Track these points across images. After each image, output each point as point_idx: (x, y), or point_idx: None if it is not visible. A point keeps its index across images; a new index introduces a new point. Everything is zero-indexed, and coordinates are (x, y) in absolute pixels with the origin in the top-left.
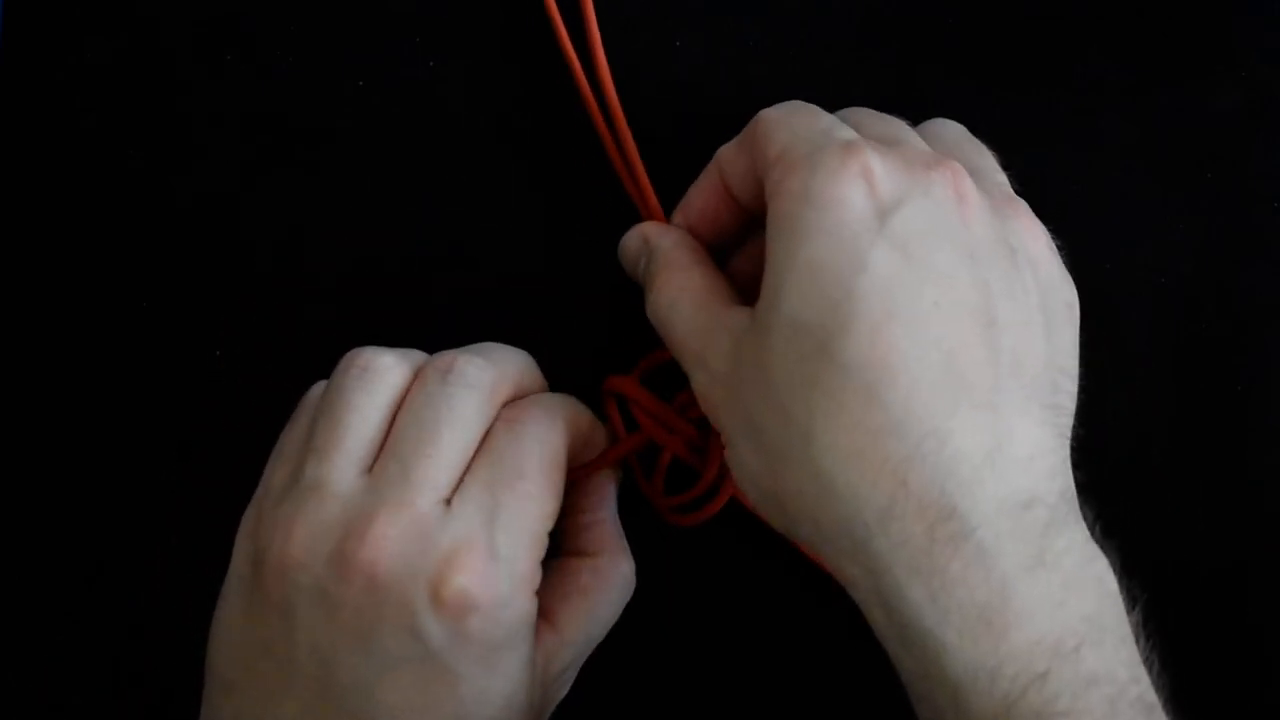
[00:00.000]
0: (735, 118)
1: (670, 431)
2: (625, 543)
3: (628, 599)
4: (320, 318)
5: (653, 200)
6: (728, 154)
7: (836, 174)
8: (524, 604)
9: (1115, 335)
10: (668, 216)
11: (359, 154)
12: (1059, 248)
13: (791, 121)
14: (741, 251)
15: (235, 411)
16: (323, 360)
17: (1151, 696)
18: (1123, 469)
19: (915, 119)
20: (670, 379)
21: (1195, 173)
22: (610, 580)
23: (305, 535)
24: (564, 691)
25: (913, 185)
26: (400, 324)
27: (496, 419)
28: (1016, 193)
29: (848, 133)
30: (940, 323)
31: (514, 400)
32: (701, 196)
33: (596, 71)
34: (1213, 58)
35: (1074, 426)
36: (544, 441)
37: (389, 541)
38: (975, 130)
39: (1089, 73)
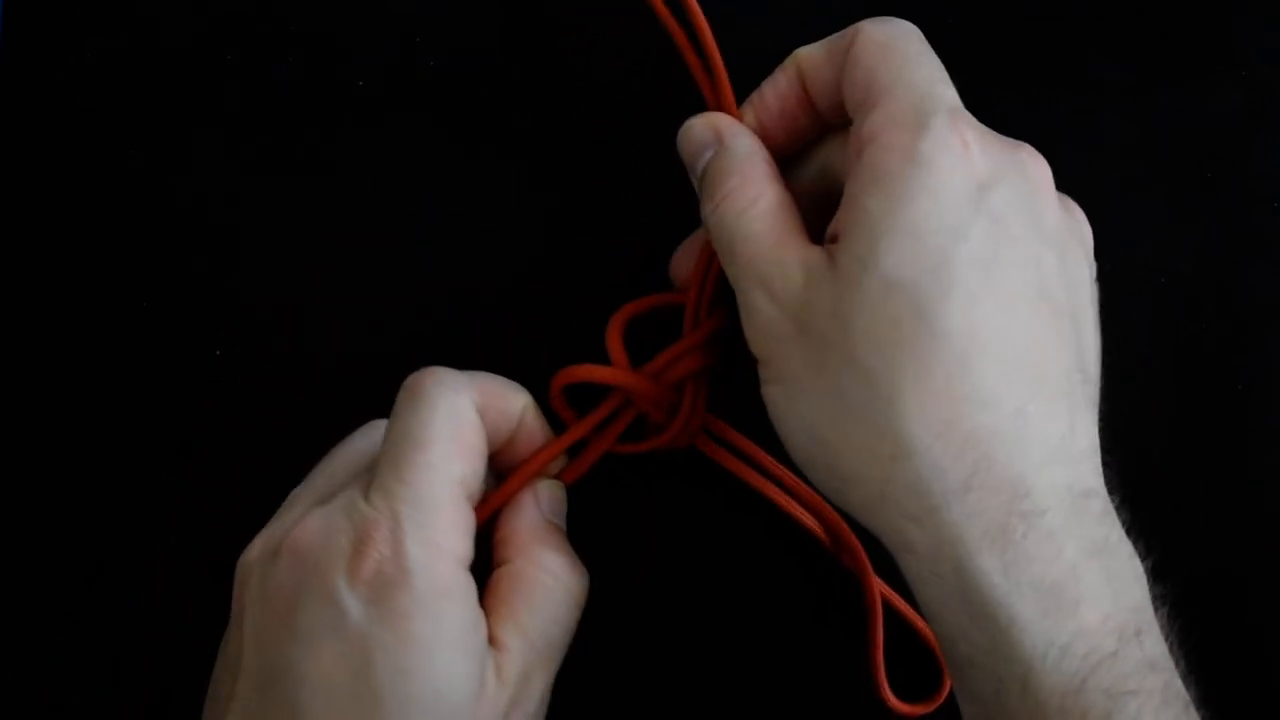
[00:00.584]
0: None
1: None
2: (558, 549)
3: (569, 606)
4: (320, 318)
5: (725, 84)
6: (813, 60)
7: (946, 140)
8: (443, 572)
9: (1115, 335)
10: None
11: (359, 154)
12: None
13: (896, 57)
14: (801, 172)
15: (235, 411)
16: (323, 360)
17: (1184, 691)
18: (1123, 469)
19: None
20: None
21: (1195, 173)
22: (531, 587)
23: (259, 544)
24: (537, 704)
25: (1008, 165)
26: (400, 324)
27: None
28: None
29: (950, 92)
30: (1028, 305)
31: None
32: (779, 96)
33: None
34: (1213, 58)
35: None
36: (441, 407)
37: (313, 526)
38: None
39: (1089, 73)
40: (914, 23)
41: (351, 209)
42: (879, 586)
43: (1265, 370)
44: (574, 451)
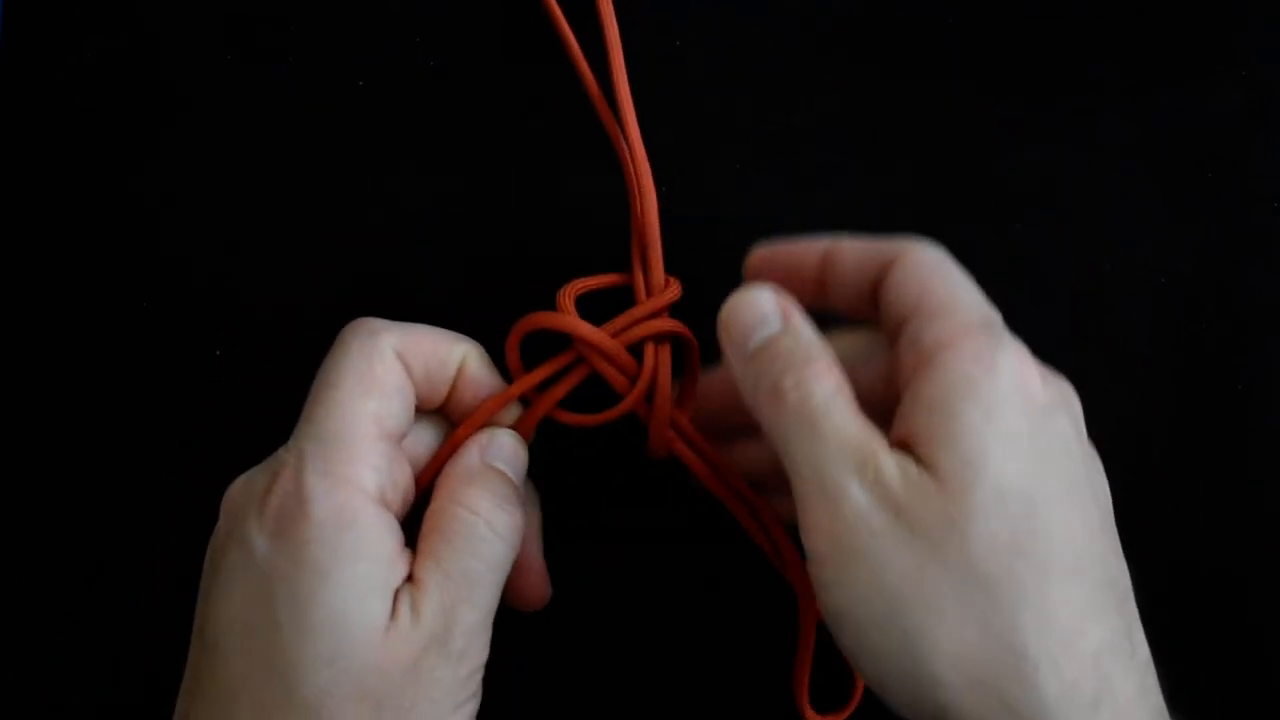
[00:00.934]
0: (736, 119)
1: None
2: (488, 488)
3: (492, 541)
4: (320, 317)
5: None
6: (852, 252)
7: (1016, 359)
8: (344, 502)
9: (1115, 335)
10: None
11: (359, 153)
12: (1060, 247)
13: (951, 275)
14: None
15: (235, 411)
16: (322, 360)
17: None
18: (1123, 469)
19: (916, 119)
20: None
21: (1195, 173)
22: (450, 523)
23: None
24: (465, 643)
25: (1063, 397)
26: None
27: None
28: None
29: (999, 320)
30: (1099, 518)
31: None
32: (794, 263)
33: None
34: (1213, 58)
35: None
36: (352, 348)
37: (240, 482)
38: (976, 130)
39: (1089, 73)
40: (914, 23)
41: (352, 209)
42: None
43: (1265, 370)
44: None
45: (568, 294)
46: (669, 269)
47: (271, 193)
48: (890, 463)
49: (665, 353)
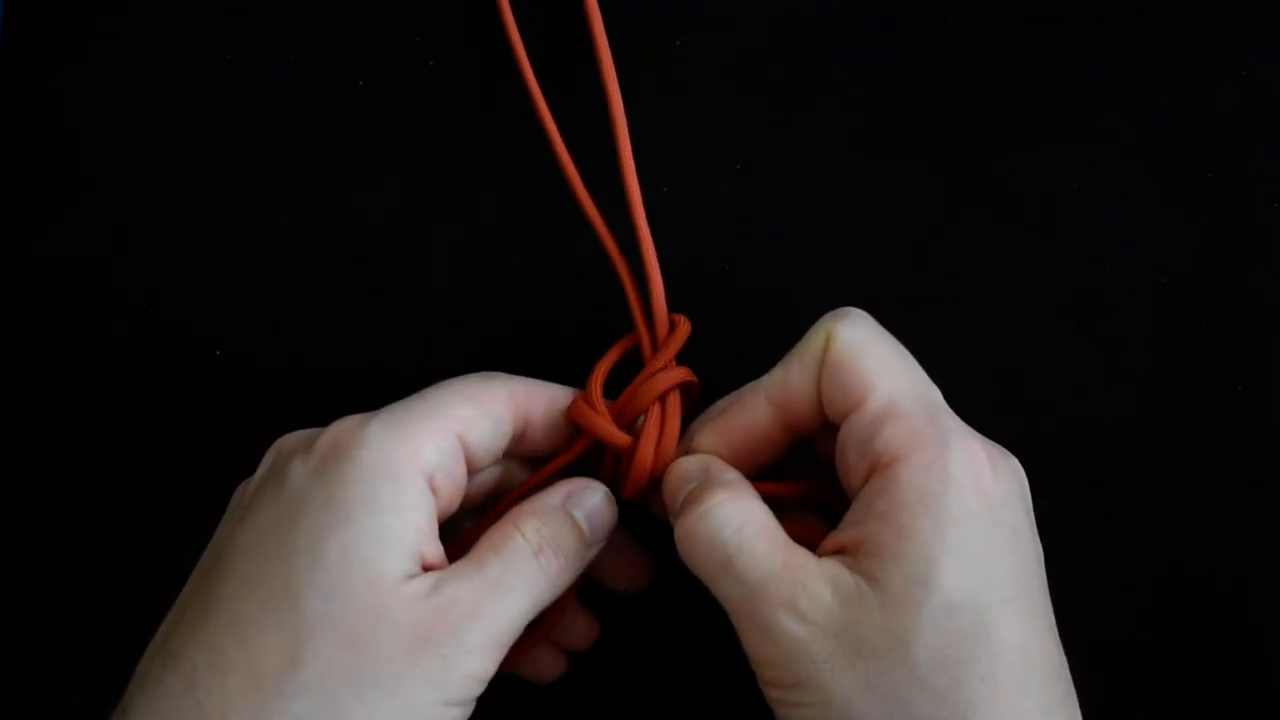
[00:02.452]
0: (735, 122)
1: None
2: (550, 529)
3: (537, 580)
4: (320, 317)
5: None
6: (785, 382)
7: (969, 461)
8: (396, 455)
9: (1115, 335)
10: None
11: (359, 153)
12: (1060, 247)
13: (878, 357)
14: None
15: (235, 411)
16: (323, 360)
17: None
18: (1123, 469)
19: (915, 118)
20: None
21: (1195, 173)
22: (505, 541)
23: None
24: (457, 671)
25: (1009, 477)
26: (400, 324)
27: None
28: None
29: (941, 400)
30: (1043, 608)
31: None
32: (748, 422)
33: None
34: (1213, 58)
35: (1073, 426)
36: (479, 377)
37: (297, 431)
38: (976, 130)
39: (1089, 73)
40: (914, 23)
41: (351, 208)
42: None
43: (1265, 370)
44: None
45: (596, 384)
46: (672, 271)
47: (271, 192)
48: (821, 587)
49: (672, 405)
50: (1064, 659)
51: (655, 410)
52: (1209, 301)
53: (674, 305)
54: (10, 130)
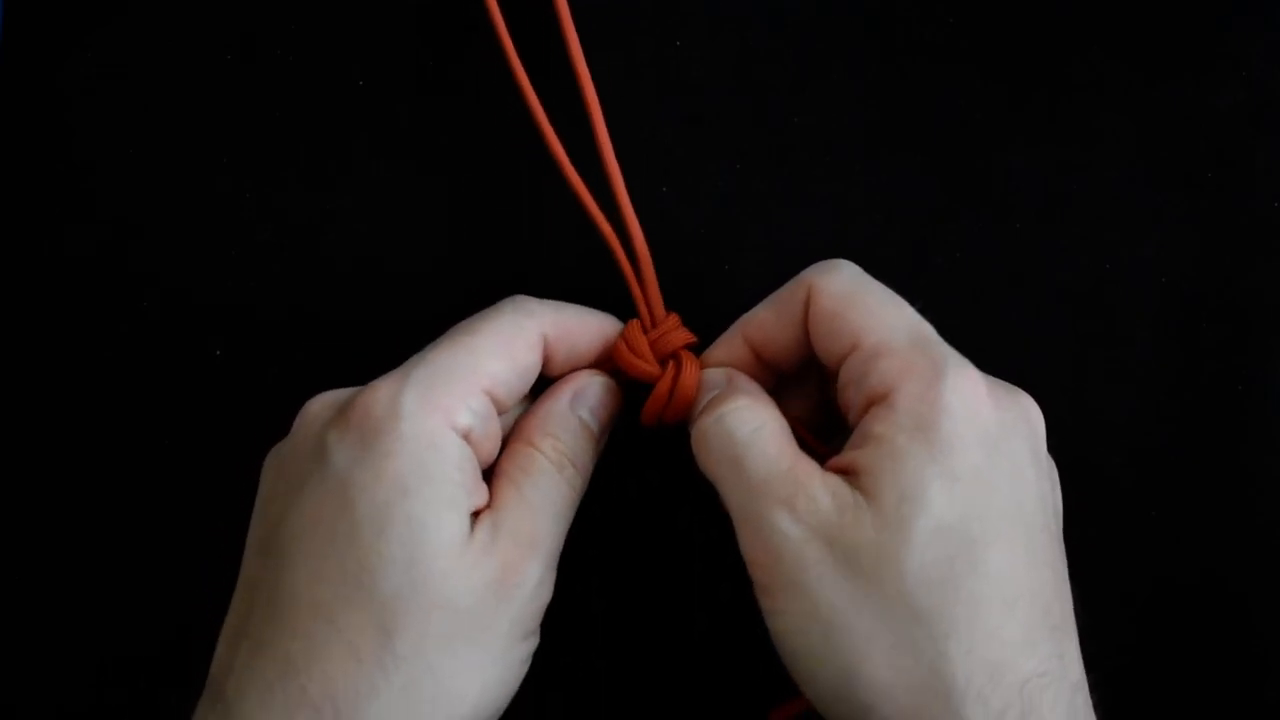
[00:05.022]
0: (736, 122)
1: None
2: (559, 438)
3: (565, 493)
4: (321, 317)
5: (657, 303)
6: (761, 323)
7: (965, 390)
8: (434, 425)
9: (1115, 335)
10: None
11: (359, 154)
12: (1060, 247)
13: (868, 303)
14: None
15: (235, 411)
16: (323, 360)
17: None
18: (1123, 469)
19: (915, 118)
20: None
21: (1195, 172)
22: (528, 460)
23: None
24: (533, 604)
25: (1015, 413)
26: (400, 323)
27: None
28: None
29: (936, 336)
30: (1044, 544)
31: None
32: (726, 358)
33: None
34: (1213, 57)
35: (1073, 426)
36: (503, 319)
37: (325, 395)
38: (975, 130)
39: (1089, 72)
40: (914, 23)
41: (351, 209)
42: None
43: (1265, 370)
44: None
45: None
46: (672, 271)
47: (271, 192)
48: (822, 493)
49: (689, 366)
50: (1064, 595)
51: (673, 361)
52: (1209, 301)
53: (673, 306)
54: (10, 130)
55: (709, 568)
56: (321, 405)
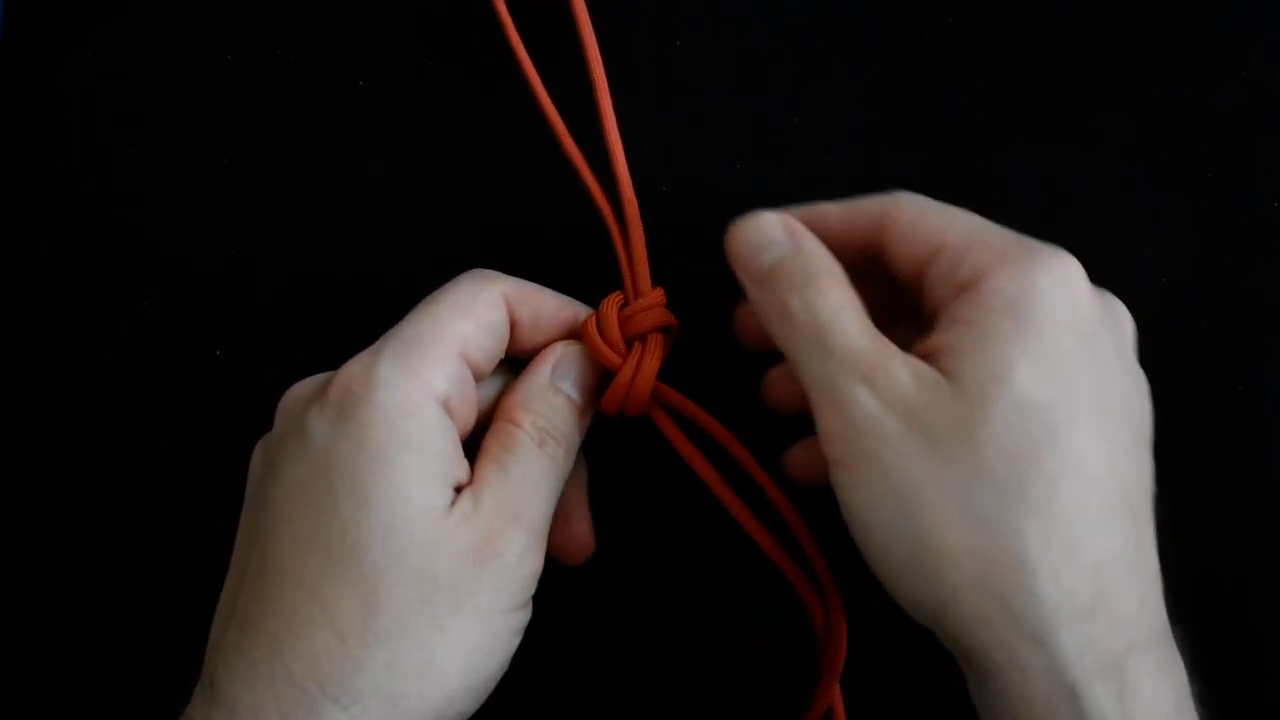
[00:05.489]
0: (737, 119)
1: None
2: (540, 412)
3: (549, 468)
4: (321, 318)
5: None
6: (827, 215)
7: (1060, 279)
8: (411, 393)
9: None
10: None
11: (359, 154)
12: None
13: (951, 214)
14: None
15: (235, 411)
16: (323, 361)
17: None
18: None
19: (915, 118)
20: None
21: (1195, 172)
22: (508, 438)
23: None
24: (519, 555)
25: (1108, 312)
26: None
27: None
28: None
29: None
30: (1129, 439)
31: None
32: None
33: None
34: (1213, 57)
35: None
36: (462, 283)
37: (302, 381)
38: (975, 130)
39: (1089, 71)
40: (914, 23)
41: (351, 209)
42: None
43: (1265, 370)
44: None
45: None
46: (672, 271)
47: (271, 192)
48: (902, 370)
49: (652, 353)
50: (1146, 489)
51: (638, 346)
52: (1209, 301)
53: (674, 306)
54: (10, 130)
55: (704, 545)
56: (300, 389)
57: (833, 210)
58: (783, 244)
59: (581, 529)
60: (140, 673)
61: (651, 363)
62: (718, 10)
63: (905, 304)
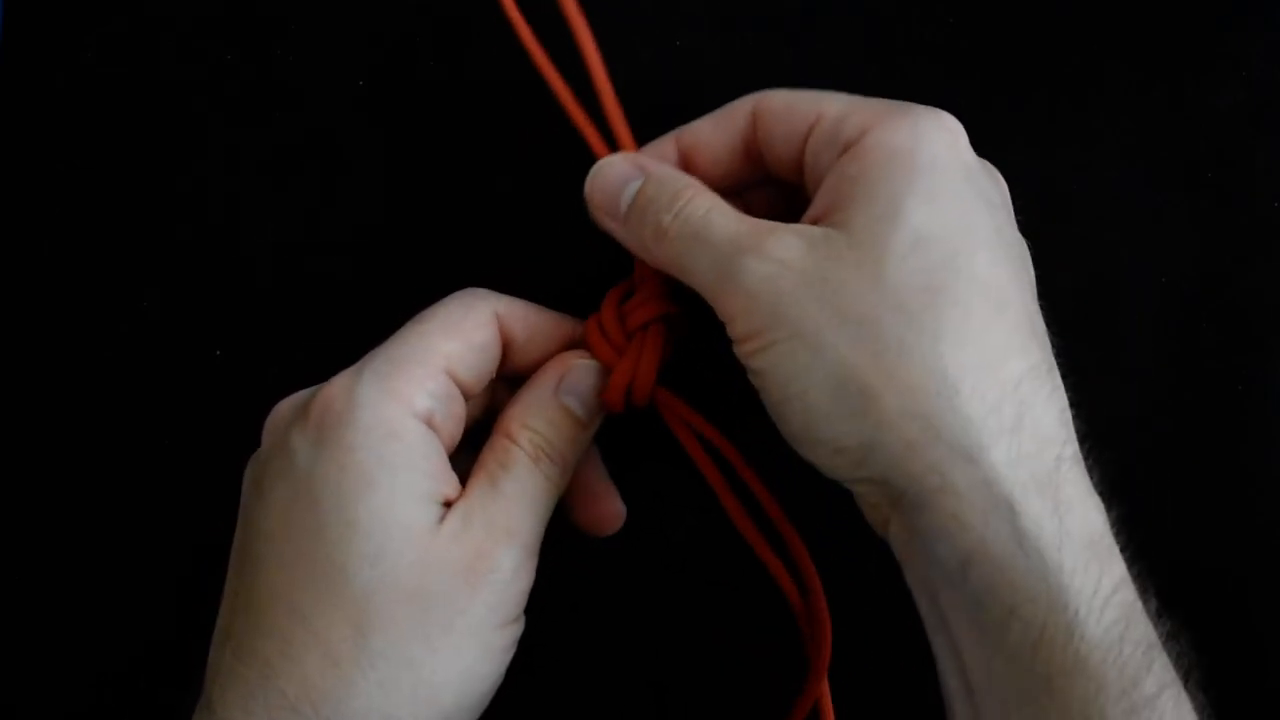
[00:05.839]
0: None
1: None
2: (542, 427)
3: (543, 486)
4: (320, 318)
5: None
6: (700, 132)
7: (938, 128)
8: (393, 414)
9: (1115, 335)
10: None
11: (359, 154)
12: (1060, 247)
13: (810, 98)
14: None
15: (235, 411)
16: (323, 361)
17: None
18: (1123, 469)
19: None
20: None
21: (1195, 173)
22: (503, 453)
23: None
24: (513, 570)
25: (993, 173)
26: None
27: None
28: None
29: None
30: (1017, 266)
31: None
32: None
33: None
34: (1213, 57)
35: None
36: (450, 303)
37: (288, 399)
38: (976, 129)
39: (1089, 72)
40: (914, 24)
41: (352, 209)
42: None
43: (1265, 370)
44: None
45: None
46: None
47: (271, 192)
48: (788, 236)
49: (654, 333)
50: (1041, 323)
51: (638, 338)
52: (1209, 301)
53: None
54: (10, 130)
55: (700, 551)
56: (287, 407)
57: (704, 123)
58: (635, 178)
59: (611, 505)
60: (140, 673)
61: (652, 353)
62: (718, 10)
63: (794, 208)
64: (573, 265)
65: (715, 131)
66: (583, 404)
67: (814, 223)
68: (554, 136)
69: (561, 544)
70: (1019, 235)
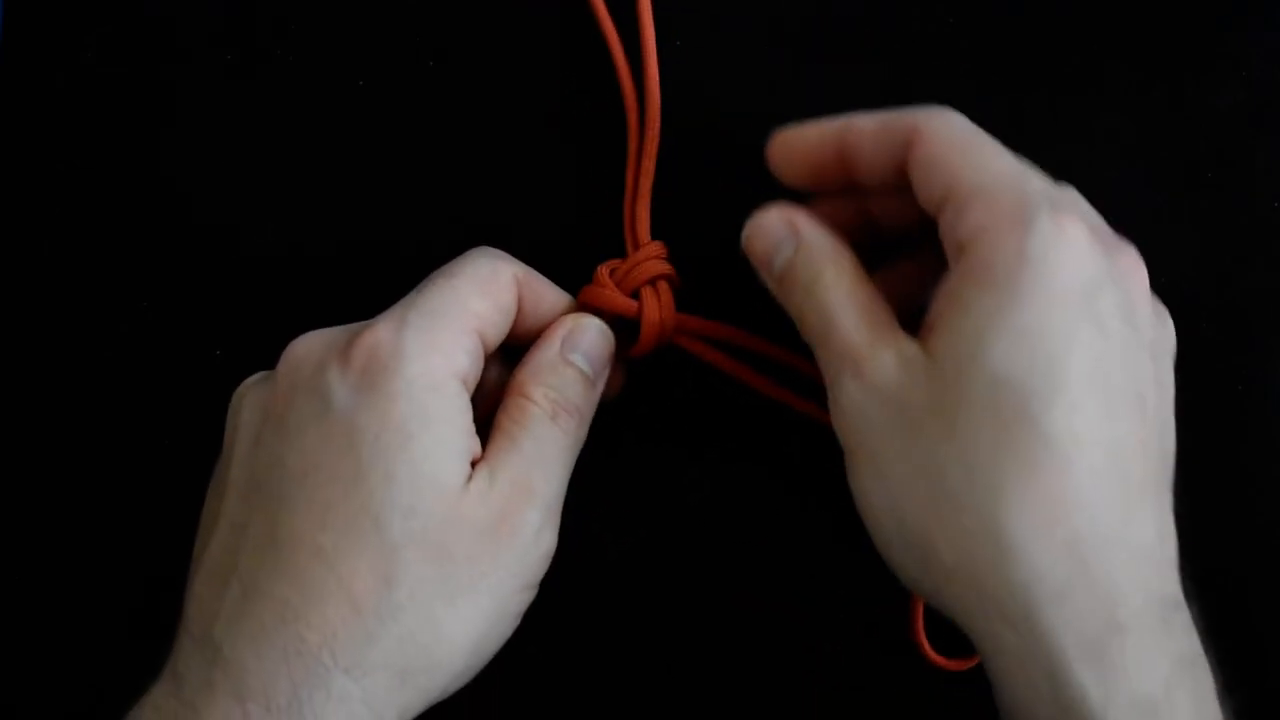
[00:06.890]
0: (736, 119)
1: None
2: (550, 385)
3: (562, 441)
4: (321, 318)
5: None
6: (861, 131)
7: (1055, 241)
8: (437, 367)
9: None
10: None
11: (359, 154)
12: None
13: (974, 152)
14: (887, 269)
15: None
16: None
17: None
18: None
19: None
20: None
21: (1195, 173)
22: (520, 413)
23: (253, 376)
24: (536, 530)
25: (1110, 266)
26: None
27: None
28: None
29: (1041, 180)
30: (1126, 411)
31: None
32: (818, 141)
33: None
34: (1213, 57)
35: None
36: (479, 259)
37: (311, 338)
38: None
39: (1089, 71)
40: (914, 22)
41: (352, 209)
42: None
43: (1265, 370)
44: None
45: (603, 273)
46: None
47: (271, 192)
48: (888, 357)
49: (663, 289)
50: (1146, 459)
51: (648, 288)
52: (1209, 301)
53: (684, 307)
54: (10, 130)
55: (718, 526)
56: (311, 345)
57: (867, 125)
58: (788, 243)
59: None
60: (140, 673)
61: (668, 294)
62: (718, 10)
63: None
64: (572, 264)
65: (874, 139)
66: (589, 361)
67: (925, 330)
68: (554, 137)
69: (562, 542)
70: (1145, 332)
